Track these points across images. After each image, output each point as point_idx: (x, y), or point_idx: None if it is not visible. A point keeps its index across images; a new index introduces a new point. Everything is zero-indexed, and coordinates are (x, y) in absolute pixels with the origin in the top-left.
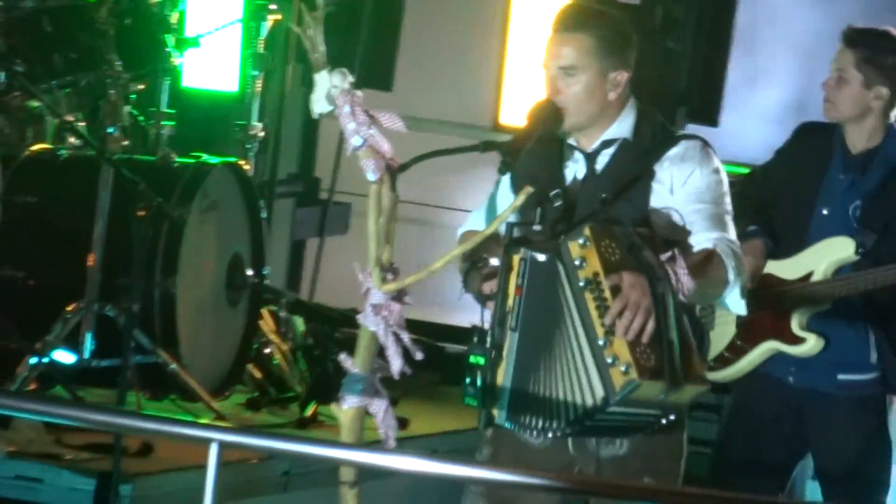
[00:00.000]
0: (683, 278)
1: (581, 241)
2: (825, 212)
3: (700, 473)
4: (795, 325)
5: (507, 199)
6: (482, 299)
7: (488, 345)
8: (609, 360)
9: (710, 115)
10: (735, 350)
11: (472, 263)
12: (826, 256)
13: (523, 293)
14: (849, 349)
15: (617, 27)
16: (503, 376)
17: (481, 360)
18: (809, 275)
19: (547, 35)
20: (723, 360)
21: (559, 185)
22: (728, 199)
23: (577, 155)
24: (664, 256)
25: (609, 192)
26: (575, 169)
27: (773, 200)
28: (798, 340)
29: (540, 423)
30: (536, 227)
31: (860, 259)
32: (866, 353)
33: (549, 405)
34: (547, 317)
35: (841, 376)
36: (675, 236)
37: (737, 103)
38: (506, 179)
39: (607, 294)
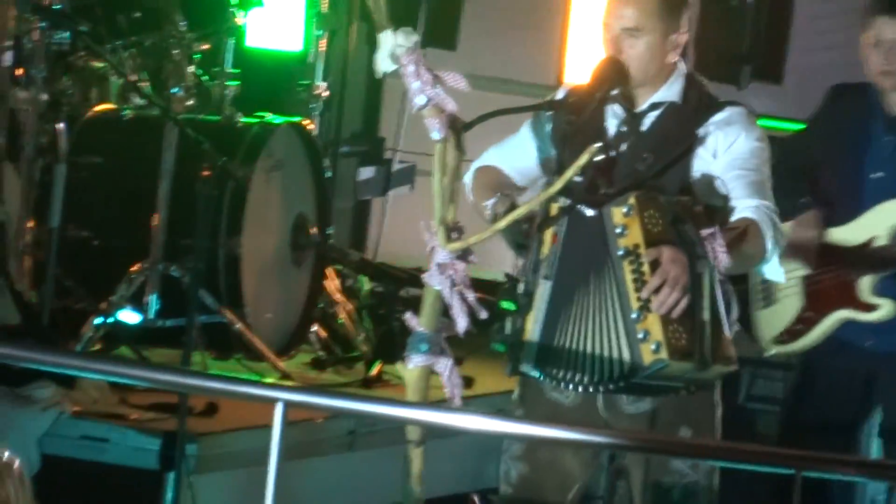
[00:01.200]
0: (721, 256)
1: (625, 209)
2: (877, 175)
3: (766, 430)
4: (865, 291)
5: (531, 147)
6: (515, 248)
7: (520, 291)
8: (640, 335)
9: (774, 74)
10: (805, 321)
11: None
12: (887, 219)
13: (560, 242)
14: None
15: None
16: (533, 324)
17: (512, 306)
18: (872, 239)
19: None
20: (793, 333)
21: (602, 140)
22: (769, 167)
23: (624, 113)
24: (705, 232)
25: (652, 152)
26: (620, 127)
27: (813, 167)
28: (870, 307)
29: (567, 376)
30: (577, 179)
31: None
32: None
33: (576, 359)
34: (582, 271)
35: None
36: (716, 202)
37: (801, 62)
38: (528, 127)
39: (646, 267)
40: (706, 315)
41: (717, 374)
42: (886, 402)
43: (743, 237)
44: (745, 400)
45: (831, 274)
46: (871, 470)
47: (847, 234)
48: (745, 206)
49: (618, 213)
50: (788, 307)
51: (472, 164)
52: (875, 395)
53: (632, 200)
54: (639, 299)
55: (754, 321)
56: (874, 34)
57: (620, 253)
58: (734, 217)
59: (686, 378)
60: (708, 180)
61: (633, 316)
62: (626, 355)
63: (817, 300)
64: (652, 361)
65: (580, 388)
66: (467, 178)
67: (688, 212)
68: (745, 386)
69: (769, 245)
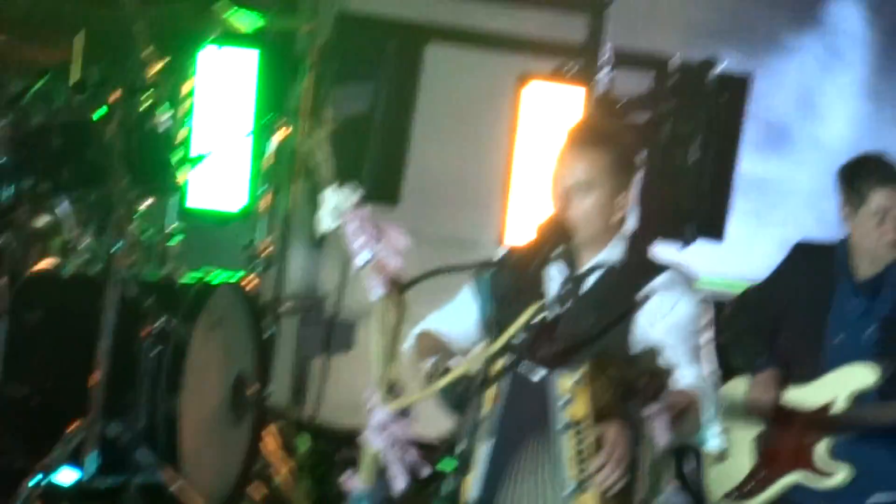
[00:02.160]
0: (662, 436)
1: (574, 380)
2: (840, 338)
3: None
4: (821, 456)
5: (471, 309)
6: (452, 407)
7: (459, 451)
8: None
9: (717, 231)
10: (757, 481)
11: (435, 366)
12: (847, 384)
13: (501, 402)
14: (878, 471)
15: (629, 148)
16: (473, 484)
17: (450, 466)
18: (830, 403)
19: (560, 148)
20: (745, 492)
21: (543, 301)
22: (708, 330)
23: (566, 274)
24: (650, 410)
25: (592, 314)
26: (561, 288)
27: (774, 324)
28: (825, 474)
29: None
30: (519, 339)
31: (882, 385)
32: None
33: None
34: (522, 433)
35: (871, 499)
36: (656, 370)
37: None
38: (469, 289)
39: (589, 442)
40: (641, 496)
41: None
42: None
43: (683, 414)
44: None
45: (787, 436)
46: None
47: (805, 395)
48: (685, 375)
49: (565, 383)
50: (739, 465)
51: (412, 331)
52: None
53: (582, 371)
54: (579, 473)
55: (707, 476)
56: (875, 206)
57: (564, 423)
58: (675, 387)
59: None
60: (648, 346)
61: (570, 490)
62: None
63: (771, 461)
64: None
65: None
66: (408, 344)
67: (634, 385)
68: None
69: (708, 415)
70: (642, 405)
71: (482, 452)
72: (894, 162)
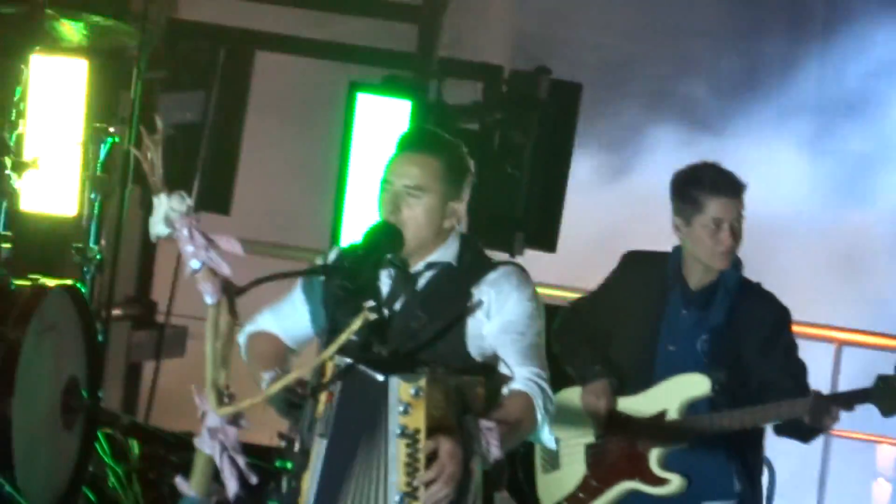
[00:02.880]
0: (494, 451)
1: (413, 390)
2: (671, 348)
3: None
4: (655, 464)
5: (303, 312)
6: (285, 410)
7: (296, 449)
8: None
9: (547, 241)
10: (589, 490)
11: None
12: (680, 394)
13: (335, 401)
14: (711, 479)
15: (461, 157)
16: (309, 483)
17: (288, 465)
18: (663, 412)
19: (393, 153)
20: (575, 501)
21: (376, 300)
22: (541, 328)
23: (398, 274)
24: (484, 425)
25: (426, 311)
26: (394, 286)
27: (605, 333)
28: (660, 481)
29: None
30: (353, 337)
31: (714, 396)
32: (729, 482)
33: None
34: (357, 431)
35: None
36: (489, 364)
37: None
38: (299, 289)
39: (421, 455)
40: None
41: None
42: None
43: (518, 414)
44: None
45: (619, 444)
46: None
47: (637, 404)
48: (517, 375)
49: (405, 390)
50: (572, 474)
51: (247, 326)
52: None
53: (422, 382)
54: (408, 484)
55: (536, 485)
56: (710, 216)
57: (398, 432)
58: (507, 388)
59: None
60: (480, 343)
61: (396, 499)
62: None
63: (603, 469)
64: None
65: None
66: (241, 339)
67: (471, 396)
68: None
69: (539, 418)
70: (477, 420)
71: (318, 451)
72: (729, 172)
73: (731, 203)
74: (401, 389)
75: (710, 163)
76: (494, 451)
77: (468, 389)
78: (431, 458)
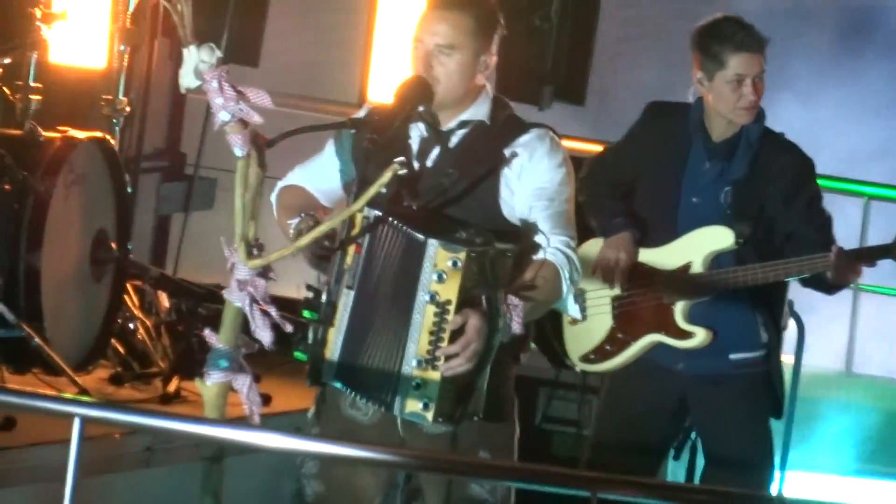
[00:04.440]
0: (516, 326)
1: (451, 261)
2: (695, 200)
3: (561, 452)
4: (680, 318)
5: (333, 168)
6: (315, 261)
7: (323, 300)
8: (414, 382)
9: (576, 94)
10: (616, 342)
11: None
12: (704, 246)
13: (363, 253)
14: (737, 330)
15: (490, 10)
16: (335, 334)
17: (314, 315)
18: (688, 265)
19: (422, 10)
20: (603, 353)
21: (407, 156)
22: (571, 194)
23: (430, 131)
24: (510, 302)
25: (458, 168)
26: (426, 143)
27: (629, 184)
28: (685, 335)
29: (365, 389)
30: (382, 190)
31: (739, 247)
32: (756, 333)
33: (372, 373)
34: (386, 285)
35: (733, 356)
36: (519, 228)
37: (602, 84)
38: (330, 145)
39: (448, 325)
40: (482, 382)
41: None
42: (700, 424)
43: (543, 298)
44: (542, 421)
45: (645, 297)
46: (666, 493)
47: (661, 257)
48: (546, 243)
49: (443, 258)
50: (598, 326)
51: (278, 183)
52: (687, 417)
53: (461, 254)
54: (429, 352)
55: (564, 337)
56: (733, 72)
57: (428, 297)
58: (536, 257)
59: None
60: (511, 206)
61: (414, 361)
62: (389, 390)
63: (629, 322)
64: (414, 412)
65: (369, 401)
66: (273, 197)
67: (503, 268)
68: (541, 407)
69: (565, 288)
70: (506, 295)
71: (345, 302)
72: (751, 26)
73: (754, 58)
74: (439, 256)
75: (732, 16)
76: (516, 327)
77: (501, 261)
78: (457, 330)
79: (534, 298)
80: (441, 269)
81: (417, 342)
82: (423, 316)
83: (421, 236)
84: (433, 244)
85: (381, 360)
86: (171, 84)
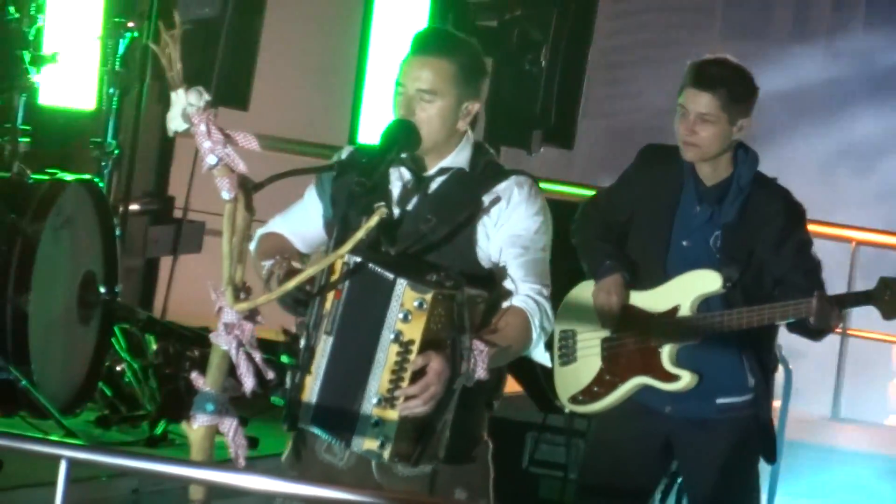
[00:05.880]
0: (480, 372)
1: (417, 302)
2: (685, 243)
3: (548, 495)
4: (667, 360)
5: (314, 212)
6: (292, 306)
7: (301, 346)
8: (373, 420)
9: (565, 138)
10: (604, 384)
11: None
12: (692, 290)
13: (342, 298)
14: (725, 374)
15: (476, 57)
16: (312, 380)
17: (291, 361)
18: (676, 308)
19: (406, 55)
20: (591, 394)
21: (386, 200)
22: (547, 243)
23: (410, 177)
24: (476, 347)
25: (436, 214)
26: (406, 188)
27: (622, 226)
28: (671, 377)
29: (341, 433)
30: (360, 236)
31: (727, 291)
32: (743, 377)
33: (337, 409)
34: (359, 327)
35: (720, 400)
36: (493, 274)
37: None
38: (311, 190)
39: (409, 365)
40: (439, 425)
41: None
42: (684, 467)
43: (510, 345)
44: (529, 464)
45: (633, 339)
46: None
47: (650, 299)
48: (518, 291)
49: (410, 297)
50: (588, 367)
51: (258, 231)
52: (674, 460)
53: (428, 296)
54: (389, 390)
55: (554, 378)
56: (682, 103)
57: (392, 336)
58: (507, 303)
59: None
60: (487, 252)
61: (375, 399)
62: (350, 425)
63: (617, 364)
64: (370, 450)
65: (337, 439)
66: (252, 246)
67: (473, 312)
68: (528, 450)
69: (535, 336)
70: (472, 340)
71: (324, 348)
72: (721, 67)
73: (700, 95)
74: (406, 295)
75: (717, 57)
76: (480, 373)
77: (471, 305)
78: (418, 372)
79: (500, 345)
80: (407, 308)
81: (379, 380)
82: (387, 354)
83: (391, 275)
84: (401, 283)
85: (345, 396)
86: (161, 127)
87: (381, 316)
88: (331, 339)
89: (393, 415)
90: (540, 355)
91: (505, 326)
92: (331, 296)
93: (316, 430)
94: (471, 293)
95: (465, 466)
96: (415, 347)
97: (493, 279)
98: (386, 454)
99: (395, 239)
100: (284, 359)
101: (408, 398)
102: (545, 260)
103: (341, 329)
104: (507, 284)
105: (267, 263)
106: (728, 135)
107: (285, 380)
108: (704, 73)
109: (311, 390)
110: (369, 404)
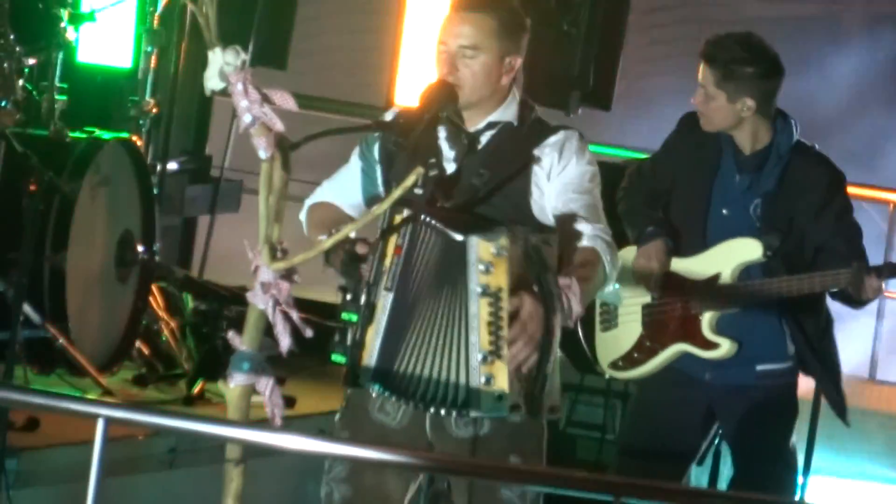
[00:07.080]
0: (575, 307)
1: (494, 249)
2: (725, 212)
3: (585, 456)
4: (707, 328)
5: (360, 177)
6: (345, 266)
7: (362, 302)
8: (483, 378)
9: (603, 100)
10: (644, 350)
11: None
12: (733, 258)
13: (403, 255)
14: (764, 342)
15: (515, 11)
16: (374, 336)
17: (353, 317)
18: (717, 276)
19: (446, 13)
20: (631, 360)
21: (437, 158)
22: (599, 189)
23: (458, 133)
24: (563, 282)
25: (488, 169)
26: (455, 145)
27: (664, 194)
28: (711, 345)
29: (404, 390)
30: (417, 191)
31: (767, 260)
32: (783, 345)
33: (415, 376)
34: (429, 287)
35: (759, 367)
36: (566, 236)
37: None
38: (356, 154)
39: (504, 313)
40: (548, 368)
41: (540, 425)
42: (727, 434)
43: (590, 268)
44: (566, 425)
45: (674, 306)
46: (689, 498)
47: (692, 266)
48: (584, 232)
49: (486, 249)
50: (628, 333)
51: (306, 201)
52: (714, 425)
53: (503, 241)
54: (491, 343)
55: (594, 343)
56: (699, 76)
57: (479, 290)
58: (579, 244)
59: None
60: (543, 205)
61: (480, 357)
62: (463, 390)
63: (658, 330)
64: (491, 407)
65: (414, 405)
66: (302, 216)
67: (548, 253)
68: (565, 412)
69: (609, 270)
70: (556, 277)
71: (384, 304)
72: (730, 42)
73: (705, 68)
74: (481, 248)
75: (736, 33)
76: (576, 308)
77: (544, 247)
78: (513, 316)
79: (584, 281)
80: (486, 260)
81: (479, 337)
82: (479, 309)
83: (459, 236)
84: (474, 239)
85: (433, 359)
86: (198, 86)
87: (459, 274)
88: (391, 296)
89: (500, 366)
90: (611, 295)
91: (582, 263)
92: (390, 252)
93: (376, 388)
94: (541, 235)
95: (520, 430)
96: (504, 294)
97: (552, 228)
98: (505, 406)
99: (452, 194)
100: (345, 315)
101: (511, 345)
102: (601, 205)
103: (402, 285)
104: (575, 225)
105: (323, 237)
106: (732, 110)
107: (346, 337)
108: (714, 47)
109: (372, 347)
110: (475, 363)
